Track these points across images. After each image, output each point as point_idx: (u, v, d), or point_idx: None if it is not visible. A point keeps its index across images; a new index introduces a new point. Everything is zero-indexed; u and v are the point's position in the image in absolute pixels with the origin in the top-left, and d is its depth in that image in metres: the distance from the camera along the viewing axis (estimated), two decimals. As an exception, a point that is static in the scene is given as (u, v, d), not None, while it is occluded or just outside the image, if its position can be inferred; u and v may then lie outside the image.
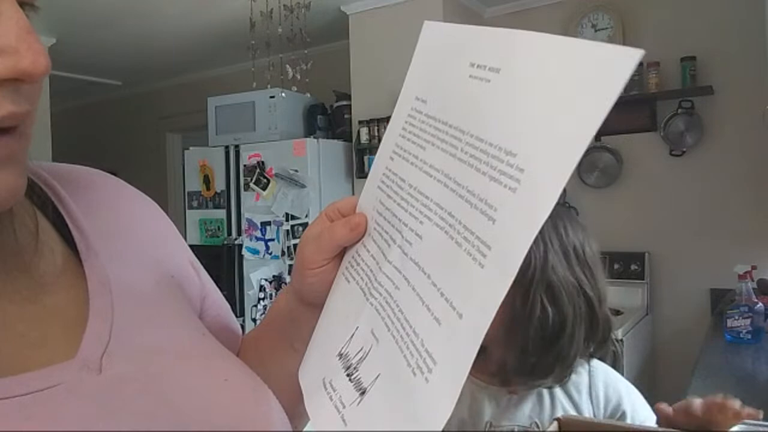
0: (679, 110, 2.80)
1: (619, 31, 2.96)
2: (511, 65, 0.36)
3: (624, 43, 2.93)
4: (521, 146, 0.33)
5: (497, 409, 0.92)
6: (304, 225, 3.10)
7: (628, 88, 2.86)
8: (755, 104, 2.57)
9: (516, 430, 0.89)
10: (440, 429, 0.32)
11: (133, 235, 0.51)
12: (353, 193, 3.39)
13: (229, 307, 0.61)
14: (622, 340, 2.40)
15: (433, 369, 0.34)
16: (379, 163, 0.48)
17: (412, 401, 0.35)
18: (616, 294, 2.87)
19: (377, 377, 0.39)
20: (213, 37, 3.80)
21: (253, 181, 3.23)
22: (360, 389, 0.40)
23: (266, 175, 3.20)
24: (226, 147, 3.38)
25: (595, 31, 3.02)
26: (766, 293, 2.34)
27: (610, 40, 2.97)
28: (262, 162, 3.21)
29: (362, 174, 3.28)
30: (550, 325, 0.84)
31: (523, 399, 0.92)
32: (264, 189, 3.20)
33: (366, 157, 3.26)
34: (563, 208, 0.89)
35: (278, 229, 3.17)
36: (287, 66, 2.88)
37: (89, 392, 0.37)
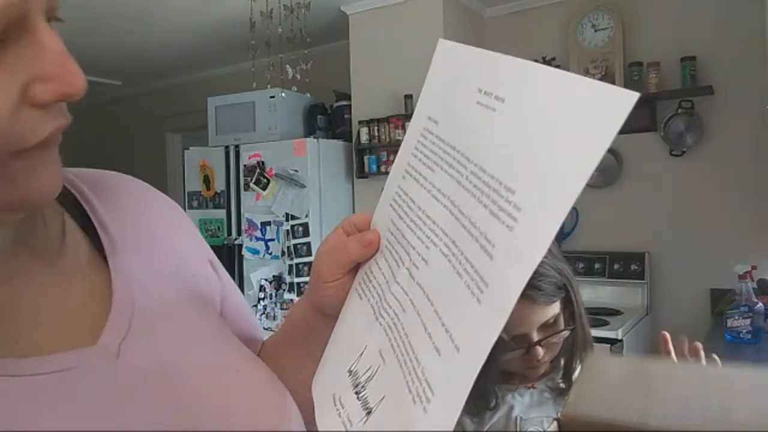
0: (679, 110, 2.80)
1: (619, 31, 2.96)
2: (515, 96, 0.36)
3: (624, 43, 2.94)
4: (520, 183, 0.33)
5: (523, 404, 0.98)
6: (304, 225, 3.10)
7: (628, 88, 2.85)
8: (755, 104, 2.57)
9: (545, 423, 0.95)
10: None
11: (156, 234, 0.54)
12: (353, 194, 3.39)
13: (251, 311, 0.64)
14: (622, 340, 2.40)
15: (431, 399, 0.35)
16: (393, 180, 0.49)
17: (411, 428, 0.36)
18: (616, 294, 2.87)
19: (382, 399, 0.40)
20: (213, 37, 3.80)
21: (253, 181, 3.23)
22: (366, 408, 0.41)
23: (266, 175, 3.20)
24: (226, 147, 3.38)
25: (595, 31, 3.02)
26: (766, 293, 2.34)
27: (611, 40, 2.97)
28: (262, 162, 3.21)
29: (362, 174, 3.28)
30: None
31: (542, 392, 1.00)
32: (264, 189, 3.20)
33: (366, 157, 3.26)
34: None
35: (278, 229, 3.17)
36: (287, 66, 2.89)
37: (105, 376, 0.40)
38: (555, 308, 0.97)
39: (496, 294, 0.33)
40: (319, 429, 0.45)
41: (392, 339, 0.42)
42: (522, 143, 0.34)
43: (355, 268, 0.50)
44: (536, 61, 3.18)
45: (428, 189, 0.43)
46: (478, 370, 0.33)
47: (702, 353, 0.92)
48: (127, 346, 0.42)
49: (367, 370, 0.43)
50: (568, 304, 0.99)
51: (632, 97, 0.29)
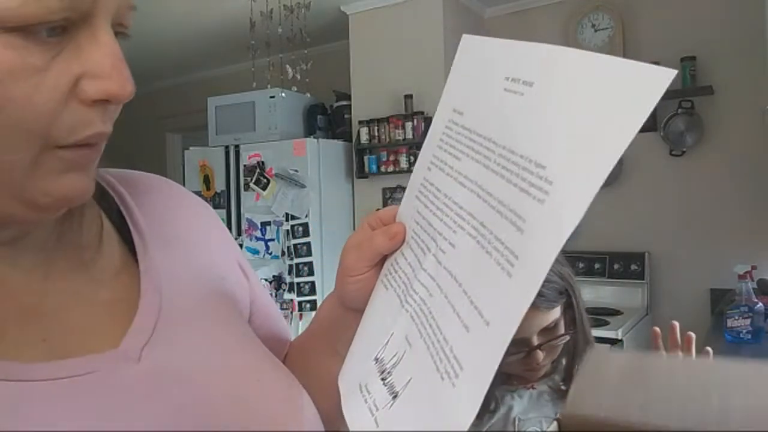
0: (679, 110, 2.80)
1: (619, 31, 2.96)
2: (544, 79, 0.36)
3: (624, 43, 2.94)
4: (551, 159, 0.33)
5: (522, 404, 0.99)
6: (304, 225, 3.10)
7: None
8: (755, 104, 2.57)
9: (544, 423, 0.96)
10: (465, 430, 0.33)
11: (188, 238, 0.55)
12: (353, 194, 3.39)
13: (279, 312, 0.64)
14: (622, 340, 2.40)
15: (459, 374, 0.35)
16: (418, 173, 0.50)
17: (439, 405, 0.36)
18: (616, 294, 2.87)
19: (409, 381, 0.41)
20: (213, 37, 3.80)
21: (253, 181, 3.23)
22: (393, 393, 0.42)
23: (266, 175, 3.20)
24: (226, 147, 3.38)
25: (595, 31, 3.03)
26: (766, 293, 2.34)
27: (610, 40, 2.97)
28: (262, 162, 3.21)
29: (362, 174, 3.28)
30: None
31: (542, 393, 1.00)
32: (264, 189, 3.20)
33: (366, 157, 3.26)
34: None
35: (278, 229, 3.17)
36: (287, 66, 2.89)
37: (124, 380, 0.40)
38: (556, 313, 0.97)
39: (527, 265, 0.33)
40: (346, 416, 0.46)
41: (419, 324, 0.42)
42: (553, 122, 0.34)
43: (381, 262, 0.51)
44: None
45: (454, 177, 0.43)
46: (509, 341, 0.33)
47: (693, 344, 0.95)
48: (149, 351, 0.43)
49: (393, 357, 0.44)
50: (568, 309, 0.99)
51: (669, 73, 0.28)
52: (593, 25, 3.03)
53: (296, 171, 3.10)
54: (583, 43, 3.05)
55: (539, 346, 0.95)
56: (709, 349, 0.97)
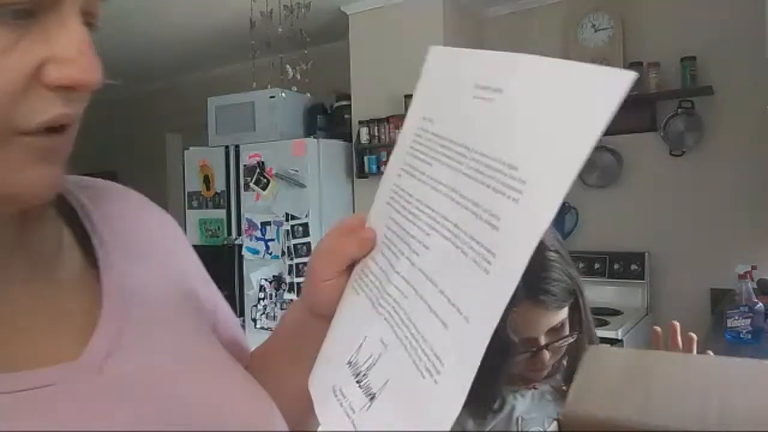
0: (679, 110, 2.80)
1: (619, 31, 2.96)
2: (512, 86, 0.38)
3: (624, 43, 2.94)
4: (522, 160, 0.35)
5: (525, 404, 0.99)
6: (304, 225, 3.10)
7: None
8: (755, 104, 2.57)
9: (546, 423, 0.96)
10: (449, 428, 0.34)
11: (149, 246, 0.53)
12: (353, 194, 3.39)
13: (238, 321, 0.63)
14: (622, 340, 2.40)
15: (441, 370, 0.36)
16: (388, 179, 0.51)
17: (422, 402, 0.37)
18: (616, 294, 2.87)
19: (386, 382, 0.41)
20: (213, 37, 3.80)
21: (253, 181, 3.23)
22: (369, 395, 0.42)
23: (266, 175, 3.20)
24: (226, 147, 3.38)
25: (595, 31, 3.02)
26: (766, 293, 2.34)
27: (610, 40, 2.97)
28: (262, 162, 3.21)
29: (362, 174, 3.28)
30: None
31: (544, 393, 1.01)
32: (264, 189, 3.20)
33: (366, 157, 3.26)
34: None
35: (278, 229, 3.17)
36: (287, 66, 2.88)
37: (86, 392, 0.39)
38: (563, 313, 0.97)
39: (505, 261, 0.34)
40: (321, 420, 0.46)
41: (393, 325, 0.43)
42: (522, 126, 0.36)
43: (350, 268, 0.51)
44: (536, 61, 3.21)
45: (426, 182, 0.44)
46: (489, 336, 0.34)
47: (695, 345, 0.94)
48: (111, 362, 0.41)
49: (367, 359, 0.44)
50: (575, 310, 1.00)
51: (627, 76, 0.30)
52: (593, 25, 3.03)
53: (296, 171, 3.10)
54: (583, 43, 3.05)
55: (546, 346, 0.95)
56: (710, 352, 0.96)
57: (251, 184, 3.24)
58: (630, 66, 2.88)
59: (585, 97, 0.32)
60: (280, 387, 0.53)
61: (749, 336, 2.04)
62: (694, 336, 0.93)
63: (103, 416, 0.38)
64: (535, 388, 1.01)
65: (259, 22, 2.81)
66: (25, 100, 0.35)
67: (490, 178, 0.37)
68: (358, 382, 0.44)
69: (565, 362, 1.02)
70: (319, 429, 0.48)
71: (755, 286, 2.28)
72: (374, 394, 0.42)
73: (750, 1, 2.58)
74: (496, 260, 0.35)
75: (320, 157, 3.19)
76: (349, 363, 0.46)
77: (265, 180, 3.20)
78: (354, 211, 3.39)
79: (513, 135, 0.36)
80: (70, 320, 0.43)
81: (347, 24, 3.36)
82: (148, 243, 0.53)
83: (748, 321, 2.04)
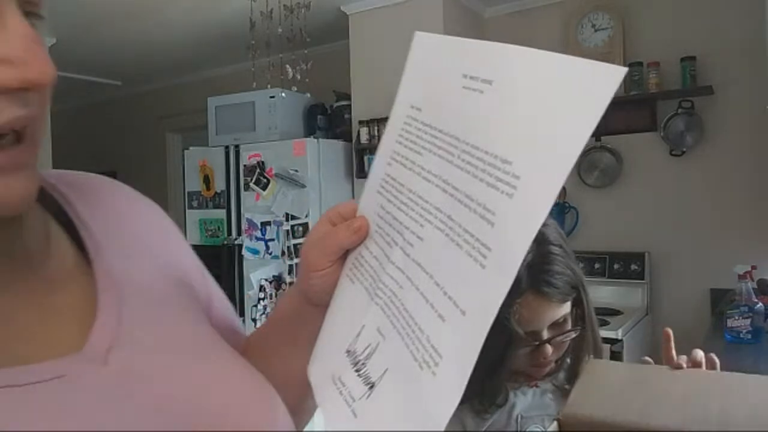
0: (679, 110, 2.79)
1: (619, 31, 2.96)
2: (503, 78, 0.37)
3: (624, 43, 2.94)
4: (516, 154, 0.35)
5: (526, 402, 0.99)
6: (304, 225, 3.10)
7: (628, 88, 2.86)
8: (755, 104, 2.57)
9: (546, 422, 0.96)
10: (446, 421, 0.34)
11: (140, 237, 0.53)
12: (353, 193, 3.39)
13: (232, 308, 0.63)
14: (622, 340, 2.40)
15: (439, 363, 0.36)
16: (377, 168, 0.50)
17: (421, 394, 0.37)
18: (616, 294, 2.87)
19: (385, 371, 0.41)
20: (213, 37, 3.79)
21: (253, 181, 3.23)
22: (368, 383, 0.42)
23: (266, 175, 3.20)
24: (226, 147, 3.38)
25: (595, 30, 3.02)
26: (766, 293, 2.34)
27: (610, 40, 2.97)
28: (262, 162, 3.21)
29: (362, 174, 3.28)
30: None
31: (545, 391, 1.01)
32: (264, 189, 3.20)
33: (366, 157, 3.26)
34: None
35: (278, 229, 3.17)
36: (287, 66, 2.88)
37: (92, 384, 0.39)
38: (566, 307, 0.98)
39: (501, 257, 0.34)
40: (321, 408, 0.46)
41: (390, 315, 0.43)
42: (514, 120, 0.36)
43: (343, 257, 0.51)
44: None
45: (417, 172, 0.44)
46: (487, 330, 0.34)
47: (716, 366, 0.86)
48: (115, 353, 0.41)
49: (366, 348, 0.44)
50: (578, 305, 1.00)
51: (620, 71, 0.30)
52: (593, 25, 3.03)
53: (296, 171, 3.10)
54: (583, 43, 3.05)
55: (549, 340, 0.95)
56: (713, 356, 0.90)
57: (251, 184, 3.24)
58: (630, 66, 2.88)
59: (579, 91, 0.32)
60: (276, 370, 0.53)
61: (749, 336, 2.04)
62: (716, 360, 0.86)
63: (113, 406, 0.39)
64: (536, 386, 1.01)
65: (259, 22, 2.81)
66: None
67: (482, 172, 0.37)
68: (357, 370, 0.44)
69: (568, 360, 1.02)
70: (321, 417, 0.48)
71: (755, 286, 2.28)
72: (373, 383, 0.42)
73: (750, 1, 2.58)
74: (492, 255, 0.35)
75: (320, 157, 3.19)
76: (348, 352, 0.46)
77: (265, 180, 3.20)
78: (355, 215, 3.38)
79: (506, 128, 0.36)
80: (66, 313, 0.43)
81: (347, 24, 3.36)
82: (138, 234, 0.53)
83: (748, 321, 2.04)
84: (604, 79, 0.31)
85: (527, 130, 0.34)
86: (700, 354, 0.86)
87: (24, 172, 0.37)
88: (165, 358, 0.44)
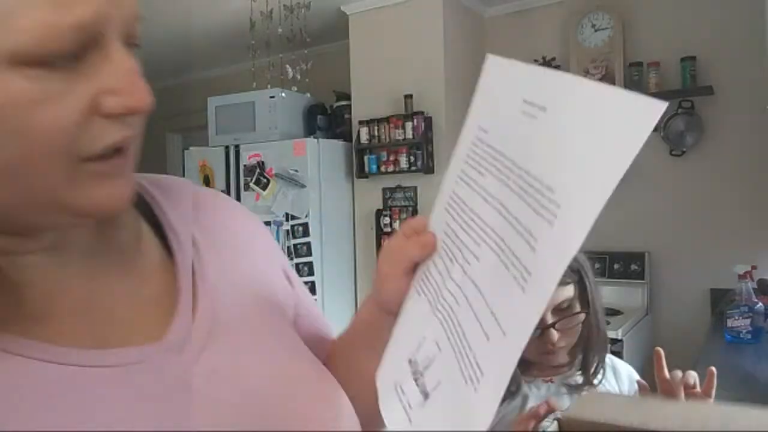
0: (679, 110, 2.80)
1: (619, 31, 2.96)
2: (555, 105, 0.40)
3: (624, 43, 2.94)
4: (559, 183, 0.37)
5: (539, 396, 1.02)
6: (304, 225, 3.10)
7: (627, 88, 2.86)
8: (755, 104, 2.57)
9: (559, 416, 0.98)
10: (485, 430, 0.37)
11: (229, 241, 0.57)
12: (353, 194, 3.39)
13: (320, 312, 0.69)
14: (622, 340, 2.40)
15: (480, 380, 0.39)
16: (447, 186, 0.53)
17: (463, 407, 0.40)
18: (616, 294, 2.87)
19: (438, 384, 0.45)
20: (213, 37, 3.80)
21: (253, 181, 3.23)
22: (424, 393, 0.46)
23: (266, 175, 3.20)
24: (226, 147, 3.38)
25: (595, 30, 3.02)
26: (766, 293, 2.34)
27: (610, 40, 2.97)
28: (262, 162, 3.21)
29: (362, 174, 3.28)
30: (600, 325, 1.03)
31: (559, 387, 1.03)
32: (264, 189, 3.20)
33: (366, 157, 3.25)
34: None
35: (278, 229, 3.17)
36: (287, 66, 2.89)
37: (169, 370, 0.44)
38: (568, 291, 0.99)
39: (538, 281, 0.37)
40: (383, 413, 0.50)
41: (447, 330, 0.46)
42: (560, 147, 0.38)
43: (414, 268, 0.54)
44: (536, 60, 3.18)
45: (479, 192, 0.47)
46: (521, 349, 0.36)
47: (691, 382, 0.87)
48: (191, 344, 0.46)
49: (425, 359, 0.47)
50: (583, 292, 1.01)
51: (661, 105, 0.31)
52: (593, 25, 3.03)
53: (296, 171, 3.10)
54: (583, 43, 3.05)
55: (553, 324, 0.96)
56: (713, 369, 0.90)
57: (251, 184, 3.24)
58: (630, 66, 2.89)
59: (620, 123, 0.33)
60: (358, 374, 0.58)
61: (749, 336, 2.04)
62: (693, 374, 0.87)
63: (188, 394, 0.43)
64: (551, 382, 1.02)
65: (259, 22, 2.82)
66: (87, 131, 0.39)
67: (530, 197, 0.39)
68: (415, 380, 0.47)
69: (580, 357, 1.03)
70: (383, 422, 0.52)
71: (755, 286, 2.28)
72: (428, 393, 0.45)
73: (750, 1, 2.58)
74: (531, 279, 0.37)
75: (320, 157, 3.19)
76: (410, 361, 0.49)
77: (265, 180, 3.20)
78: (354, 211, 3.39)
79: (552, 156, 0.38)
80: (150, 305, 0.48)
81: (347, 24, 3.36)
82: (224, 235, 0.57)
83: (748, 321, 2.04)
84: (645, 112, 0.32)
85: (570, 159, 0.36)
86: (693, 377, 0.87)
87: (123, 179, 0.43)
88: (237, 355, 0.48)
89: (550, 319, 0.97)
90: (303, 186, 3.09)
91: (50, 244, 0.44)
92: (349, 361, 0.62)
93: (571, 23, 3.08)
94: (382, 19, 3.23)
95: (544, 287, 0.36)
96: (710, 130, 2.79)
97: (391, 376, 0.52)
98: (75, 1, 0.36)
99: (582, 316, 1.01)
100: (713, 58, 2.75)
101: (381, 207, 3.24)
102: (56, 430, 0.38)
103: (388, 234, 3.16)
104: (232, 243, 0.57)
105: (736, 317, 2.06)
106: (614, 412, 0.27)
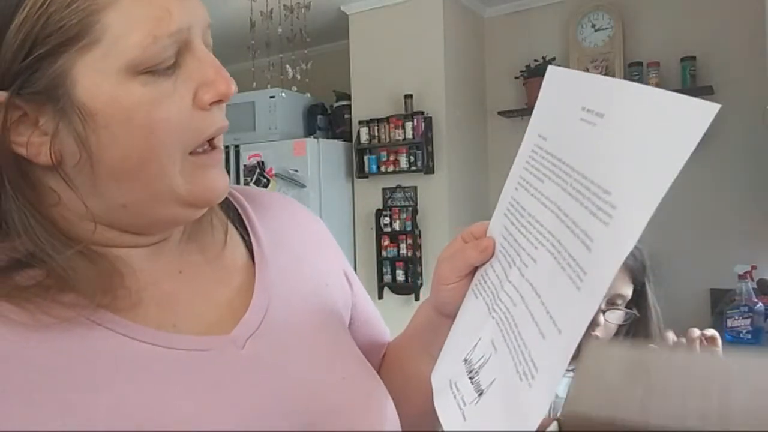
0: (679, 110, 2.79)
1: (619, 31, 2.96)
2: (612, 112, 0.41)
3: (624, 43, 2.94)
4: (615, 186, 0.38)
5: (563, 384, 1.01)
6: (304, 225, 3.09)
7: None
8: (755, 104, 2.57)
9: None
10: (536, 426, 0.38)
11: (299, 249, 0.63)
12: (353, 194, 3.39)
13: (378, 314, 0.72)
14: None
15: (535, 376, 0.41)
16: (507, 192, 0.55)
17: (517, 403, 0.42)
18: (616, 294, 2.87)
19: (493, 381, 0.46)
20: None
21: (253, 181, 3.23)
22: (479, 390, 0.47)
23: (266, 175, 3.20)
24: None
25: (595, 30, 3.02)
26: (766, 293, 2.34)
27: (611, 39, 2.97)
28: (262, 162, 3.21)
29: (362, 174, 3.28)
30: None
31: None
32: (264, 189, 3.20)
33: (366, 157, 3.25)
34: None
35: (278, 229, 3.17)
36: (287, 66, 2.88)
37: (230, 361, 0.49)
38: (621, 286, 0.99)
39: (592, 279, 0.38)
40: (437, 409, 0.51)
41: (503, 330, 0.47)
42: (616, 152, 0.39)
43: (472, 272, 0.56)
44: (536, 60, 3.18)
45: (538, 198, 0.49)
46: (575, 346, 0.37)
47: (696, 343, 0.92)
48: (252, 341, 0.51)
49: (480, 358, 0.49)
50: (640, 295, 1.03)
51: (714, 107, 0.32)
52: (593, 25, 3.03)
53: (296, 171, 3.10)
54: (583, 43, 3.05)
55: (602, 311, 0.98)
56: (718, 350, 0.94)
57: (251, 184, 3.24)
58: (630, 66, 2.88)
59: (675, 126, 0.35)
60: (411, 376, 0.61)
61: (749, 336, 2.04)
62: (696, 331, 0.92)
63: (241, 383, 0.48)
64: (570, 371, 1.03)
65: (259, 22, 2.82)
66: (192, 125, 0.46)
67: (587, 200, 0.40)
68: (470, 378, 0.49)
69: None
70: (433, 420, 0.53)
71: (755, 286, 2.28)
72: (483, 390, 0.46)
73: (750, 1, 2.58)
74: (587, 278, 0.38)
75: (320, 157, 3.19)
76: (465, 360, 0.51)
77: (265, 180, 3.20)
78: (354, 211, 3.39)
79: (608, 160, 0.40)
80: (227, 303, 0.53)
81: (347, 24, 3.36)
82: (298, 245, 0.63)
83: (748, 321, 2.04)
84: (698, 115, 0.33)
85: (626, 162, 0.38)
86: (696, 333, 0.92)
87: (219, 170, 0.50)
88: (293, 352, 0.53)
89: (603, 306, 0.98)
90: (303, 186, 3.09)
91: (156, 241, 0.51)
92: (404, 363, 0.65)
93: (571, 23, 3.08)
94: (382, 19, 3.23)
95: (599, 285, 0.37)
96: (710, 130, 2.75)
97: (446, 374, 0.54)
98: (170, 15, 0.44)
99: (631, 314, 1.01)
100: (713, 58, 2.75)
101: (381, 207, 3.24)
102: (115, 392, 0.42)
103: (388, 234, 3.16)
104: (296, 247, 0.62)
105: (736, 317, 2.06)
106: (613, 402, 0.27)
